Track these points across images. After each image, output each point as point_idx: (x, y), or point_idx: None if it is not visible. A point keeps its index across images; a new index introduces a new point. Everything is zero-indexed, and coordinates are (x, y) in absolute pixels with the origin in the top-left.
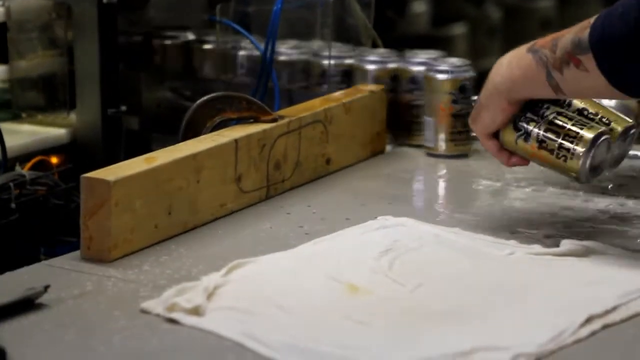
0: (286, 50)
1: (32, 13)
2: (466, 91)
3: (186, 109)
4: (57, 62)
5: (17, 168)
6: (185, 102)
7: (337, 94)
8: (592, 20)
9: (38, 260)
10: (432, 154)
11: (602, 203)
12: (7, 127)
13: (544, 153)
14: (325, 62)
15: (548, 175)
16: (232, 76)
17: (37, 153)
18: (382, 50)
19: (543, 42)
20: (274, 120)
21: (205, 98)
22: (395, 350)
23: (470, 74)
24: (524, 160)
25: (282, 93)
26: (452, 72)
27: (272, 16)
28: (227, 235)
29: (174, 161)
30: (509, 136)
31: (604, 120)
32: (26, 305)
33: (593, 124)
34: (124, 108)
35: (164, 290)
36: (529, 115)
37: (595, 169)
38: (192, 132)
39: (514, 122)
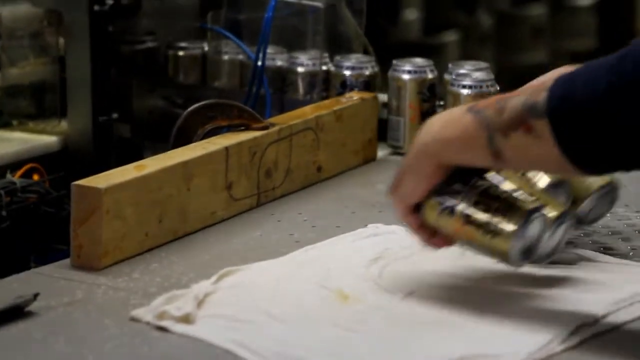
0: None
1: (23, 20)
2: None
3: (177, 117)
4: (49, 70)
5: (8, 175)
6: (176, 110)
7: (328, 101)
8: (548, 83)
9: (28, 267)
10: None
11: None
12: None
13: (469, 230)
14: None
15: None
16: (222, 83)
17: (28, 161)
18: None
19: (486, 103)
20: (265, 127)
21: (196, 106)
22: (385, 358)
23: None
24: (447, 240)
25: (275, 100)
26: (416, 72)
27: (264, 23)
28: (218, 243)
29: (165, 169)
30: (431, 210)
31: (538, 201)
32: (15, 313)
33: (527, 201)
34: (115, 116)
35: (154, 298)
36: (456, 186)
37: (526, 252)
38: (183, 139)
39: (438, 193)
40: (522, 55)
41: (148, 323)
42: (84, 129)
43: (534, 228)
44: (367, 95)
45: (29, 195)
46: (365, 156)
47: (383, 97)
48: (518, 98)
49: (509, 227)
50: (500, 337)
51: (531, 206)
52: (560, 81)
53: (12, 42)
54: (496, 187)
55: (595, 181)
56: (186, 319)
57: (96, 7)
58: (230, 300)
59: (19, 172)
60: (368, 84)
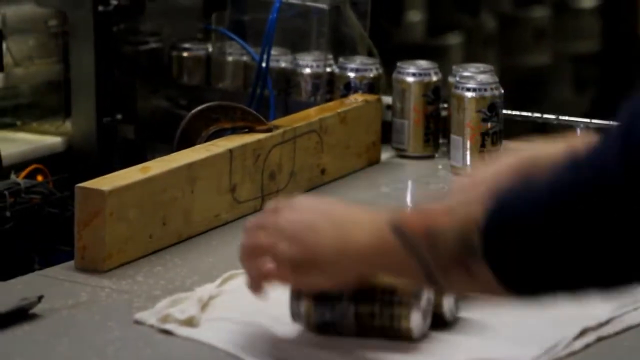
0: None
1: (28, 21)
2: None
3: (181, 118)
4: (53, 70)
5: (12, 176)
6: (180, 111)
7: (332, 103)
8: (477, 215)
9: (32, 269)
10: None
11: None
12: (2, 135)
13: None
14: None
15: None
16: (226, 85)
17: (32, 161)
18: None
19: (413, 225)
20: (269, 130)
21: (200, 108)
22: None
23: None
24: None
25: (279, 102)
26: (421, 74)
27: (268, 25)
28: (222, 246)
29: (169, 171)
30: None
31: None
32: (20, 315)
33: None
34: (119, 116)
35: (158, 300)
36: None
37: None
38: (187, 141)
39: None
40: (525, 57)
41: (152, 326)
42: (88, 130)
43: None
44: (371, 97)
45: (32, 196)
46: (369, 159)
47: (387, 99)
48: (451, 232)
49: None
50: (504, 341)
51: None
52: (491, 216)
53: (16, 43)
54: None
55: None
56: (190, 322)
57: (100, 8)
58: (234, 303)
59: (23, 173)
60: (372, 86)
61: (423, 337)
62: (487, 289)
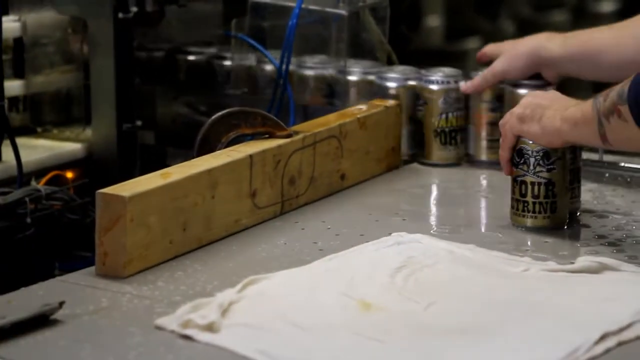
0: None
1: (48, 28)
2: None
3: (201, 124)
4: (73, 77)
5: (33, 183)
6: (200, 117)
7: (352, 109)
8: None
9: (53, 275)
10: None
11: (616, 221)
12: (23, 142)
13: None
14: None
15: None
16: (247, 91)
17: (53, 168)
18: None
19: (604, 91)
20: (289, 135)
21: (220, 113)
22: None
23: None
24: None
25: (299, 108)
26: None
27: (288, 31)
28: (242, 251)
29: (189, 177)
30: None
31: None
32: (41, 321)
33: None
34: (139, 123)
35: (179, 306)
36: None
37: None
38: (207, 147)
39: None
40: None
41: (173, 331)
42: (108, 137)
43: None
44: (390, 103)
45: (53, 202)
46: (389, 164)
47: None
48: (619, 86)
49: None
50: (525, 345)
51: None
52: None
53: (36, 50)
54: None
55: None
56: (211, 328)
57: (120, 15)
58: (254, 309)
59: (44, 180)
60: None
61: None
62: (633, 134)
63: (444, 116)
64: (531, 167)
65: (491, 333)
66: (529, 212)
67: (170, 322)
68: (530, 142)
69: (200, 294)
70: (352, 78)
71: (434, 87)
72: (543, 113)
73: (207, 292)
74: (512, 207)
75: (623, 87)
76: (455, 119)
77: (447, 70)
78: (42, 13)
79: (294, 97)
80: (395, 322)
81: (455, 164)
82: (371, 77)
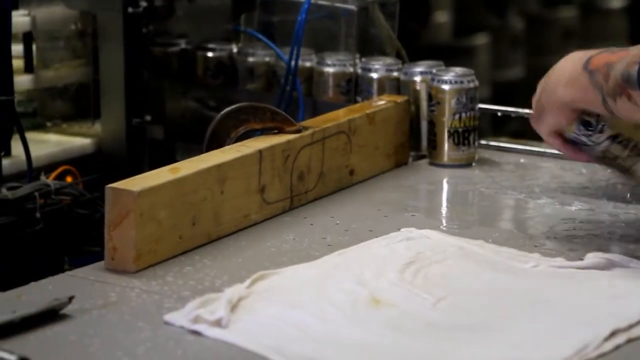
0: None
1: (58, 22)
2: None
3: (210, 119)
4: (82, 72)
5: (42, 177)
6: (209, 112)
7: (361, 104)
8: None
9: (62, 270)
10: None
11: (626, 216)
12: (33, 136)
13: (608, 156)
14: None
15: (573, 187)
16: (255, 86)
17: (62, 163)
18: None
19: (597, 63)
20: (298, 131)
21: (229, 109)
22: None
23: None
24: (588, 157)
25: (308, 103)
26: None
27: (297, 26)
28: (251, 247)
29: (199, 172)
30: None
31: None
32: (50, 315)
33: None
34: (148, 118)
35: (188, 301)
36: (593, 118)
37: None
38: (216, 142)
39: (580, 122)
40: (552, 58)
41: (182, 327)
42: (118, 131)
43: None
44: (399, 98)
45: (62, 197)
46: (397, 160)
47: None
48: (619, 65)
49: None
50: (534, 342)
51: None
52: None
53: (46, 44)
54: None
55: None
56: (220, 323)
57: (130, 10)
58: (263, 304)
59: (53, 174)
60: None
61: None
62: None
63: (457, 116)
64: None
65: (500, 329)
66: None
67: (179, 317)
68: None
69: (209, 289)
70: (374, 75)
71: (446, 87)
72: (543, 91)
73: (216, 288)
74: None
75: (628, 68)
76: (469, 119)
77: (459, 70)
78: (52, 7)
79: (314, 93)
80: (405, 318)
81: (468, 164)
82: (395, 74)
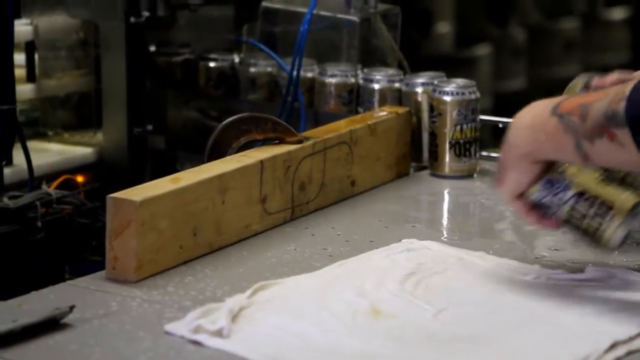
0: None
1: (60, 32)
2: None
3: (212, 129)
4: (84, 81)
5: (44, 187)
6: (211, 123)
7: (362, 115)
8: (627, 90)
9: (63, 279)
10: None
11: None
12: (34, 145)
13: (574, 216)
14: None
15: None
16: (256, 96)
17: (64, 172)
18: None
19: (569, 106)
20: (300, 141)
21: (231, 119)
22: None
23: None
24: (555, 223)
25: (309, 114)
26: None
27: (299, 37)
28: (252, 257)
29: (200, 182)
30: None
31: (635, 196)
32: (51, 325)
33: (625, 198)
34: (150, 127)
35: (189, 311)
36: (557, 177)
37: (625, 238)
38: (218, 152)
39: (545, 181)
40: (554, 69)
41: (182, 337)
42: (119, 141)
43: (635, 220)
44: (401, 109)
45: (64, 206)
46: (399, 171)
47: None
48: (600, 104)
49: (614, 220)
50: (535, 354)
51: (633, 201)
52: (638, 89)
53: (48, 54)
54: (593, 177)
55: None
56: (221, 333)
57: (132, 19)
58: (264, 315)
59: (55, 184)
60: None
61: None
62: (629, 158)
63: (458, 128)
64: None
65: (500, 340)
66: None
67: (180, 327)
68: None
69: (210, 299)
70: (376, 86)
71: (447, 98)
72: (504, 164)
73: (217, 298)
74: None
75: (612, 106)
76: (470, 130)
77: (461, 81)
78: (54, 17)
79: (315, 104)
80: (405, 329)
81: (469, 175)
82: (397, 85)
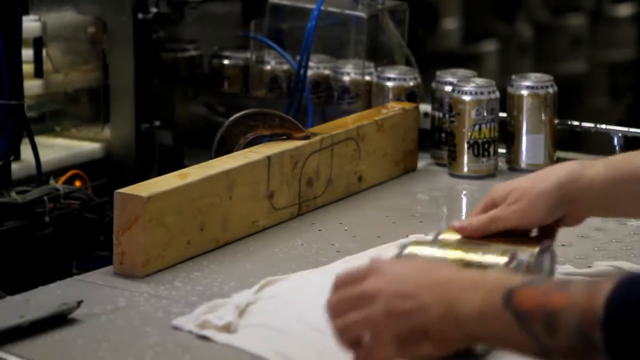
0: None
1: (68, 28)
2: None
3: (219, 125)
4: (92, 77)
5: (52, 182)
6: (218, 118)
7: (370, 111)
8: (598, 308)
9: (70, 274)
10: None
11: (634, 224)
12: (42, 141)
13: None
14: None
15: None
16: (264, 92)
17: (71, 167)
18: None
19: (527, 302)
20: (307, 137)
21: (238, 115)
22: None
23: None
24: None
25: (317, 110)
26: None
27: (307, 33)
28: (259, 252)
29: (207, 178)
30: None
31: None
32: (59, 320)
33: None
34: (157, 123)
35: (196, 306)
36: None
37: None
38: (225, 148)
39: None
40: (561, 65)
41: (190, 332)
42: (127, 136)
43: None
44: (408, 105)
45: (71, 201)
46: (406, 166)
47: (425, 107)
48: (568, 318)
49: None
50: None
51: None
52: (614, 311)
53: (56, 50)
54: None
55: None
56: (227, 329)
57: (140, 15)
58: (271, 310)
59: (62, 179)
60: (412, 95)
61: None
62: None
63: (477, 127)
64: None
65: None
66: None
67: (187, 322)
68: None
69: (217, 295)
70: (389, 84)
71: (466, 97)
72: (424, 321)
73: (224, 293)
74: None
75: (586, 330)
76: (489, 130)
77: (480, 80)
78: (62, 13)
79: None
80: None
81: (488, 176)
82: (411, 83)
